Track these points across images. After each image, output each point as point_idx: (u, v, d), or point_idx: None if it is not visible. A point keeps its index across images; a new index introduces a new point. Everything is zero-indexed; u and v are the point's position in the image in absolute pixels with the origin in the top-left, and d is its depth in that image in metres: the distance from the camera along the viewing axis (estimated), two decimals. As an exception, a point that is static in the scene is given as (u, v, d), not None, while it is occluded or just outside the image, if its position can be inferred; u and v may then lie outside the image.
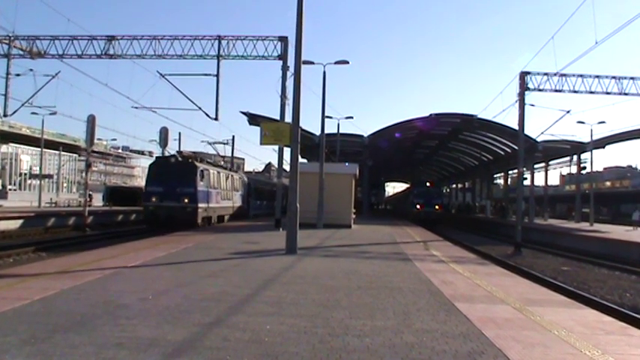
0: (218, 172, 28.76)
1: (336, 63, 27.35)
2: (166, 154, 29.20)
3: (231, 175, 33.06)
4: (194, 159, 26.10)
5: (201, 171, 25.30)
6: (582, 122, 40.31)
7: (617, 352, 5.67)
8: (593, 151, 43.20)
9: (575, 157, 47.36)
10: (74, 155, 73.70)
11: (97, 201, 55.47)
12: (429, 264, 13.18)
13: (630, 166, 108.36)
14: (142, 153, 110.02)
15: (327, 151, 34.18)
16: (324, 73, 27.42)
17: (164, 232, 20.76)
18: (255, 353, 5.22)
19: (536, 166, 51.16)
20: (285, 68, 24.71)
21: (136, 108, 26.78)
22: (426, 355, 5.33)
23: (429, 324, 6.67)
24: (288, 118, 20.00)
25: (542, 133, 35.94)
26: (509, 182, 60.65)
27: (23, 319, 6.26)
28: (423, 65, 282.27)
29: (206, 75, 25.79)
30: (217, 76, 25.69)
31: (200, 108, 26.53)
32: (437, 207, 49.11)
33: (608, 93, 28.74)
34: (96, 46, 25.86)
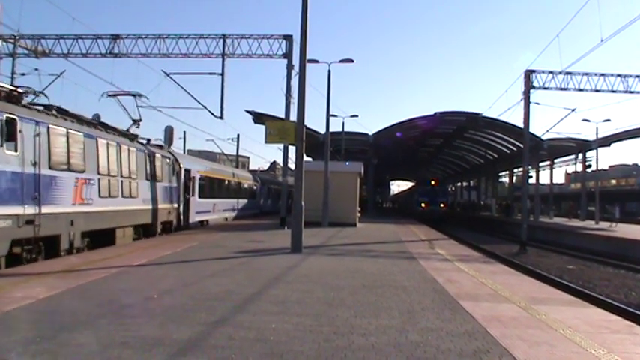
0: (91, 138, 14.56)
1: (341, 61, 27.48)
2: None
3: (143, 153, 18.49)
4: None
5: (10, 122, 11.02)
6: (587, 120, 40.50)
7: (623, 351, 5.65)
8: (599, 149, 43.06)
9: (580, 156, 47.16)
10: (79, 154, 73.78)
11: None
12: (433, 262, 13.16)
13: (636, 165, 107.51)
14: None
15: (332, 149, 34.11)
16: (329, 71, 27.55)
17: None
18: (260, 352, 5.22)
19: (541, 164, 51.00)
20: (290, 67, 24.71)
21: (141, 107, 26.61)
22: (431, 354, 5.32)
23: (434, 322, 6.66)
24: (293, 117, 20.01)
25: (547, 131, 36.07)
26: (514, 180, 60.47)
27: (28, 318, 6.29)
28: (428, 64, 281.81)
29: (211, 74, 25.77)
30: (222, 74, 25.66)
31: (205, 107, 26.49)
32: (442, 205, 49.10)
33: (613, 91, 28.60)
34: (101, 45, 25.89)
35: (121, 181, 16.31)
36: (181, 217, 22.55)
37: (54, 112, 13.39)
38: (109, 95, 19.69)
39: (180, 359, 4.99)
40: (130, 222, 17.09)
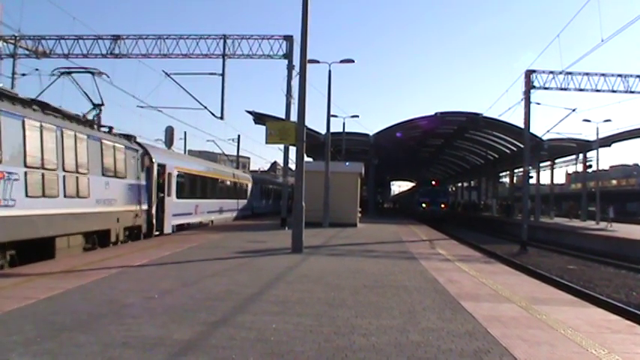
0: (14, 118, 10.95)
1: (342, 62, 27.46)
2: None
3: (98, 142, 14.92)
4: None
5: None
6: (588, 120, 40.61)
7: (624, 351, 5.65)
8: (599, 149, 43.01)
9: (581, 156, 47.14)
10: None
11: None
12: (434, 262, 13.15)
13: (637, 165, 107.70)
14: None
15: (333, 149, 34.07)
16: (330, 71, 27.55)
17: None
18: (261, 352, 5.22)
19: (542, 164, 50.98)
20: (290, 67, 24.72)
21: (142, 107, 26.65)
22: (431, 354, 5.32)
23: (434, 323, 6.66)
24: (294, 117, 20.00)
25: (547, 131, 36.02)
26: (514, 181, 60.47)
27: (29, 319, 6.29)
28: (428, 64, 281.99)
29: (211, 74, 25.78)
30: (223, 75, 25.66)
31: (206, 107, 26.51)
32: (442, 205, 49.13)
33: (614, 91, 28.59)
34: (101, 46, 25.90)
35: (63, 177, 12.59)
36: (154, 221, 19.01)
37: None
38: (62, 73, 16.54)
39: (181, 359, 4.99)
40: (77, 228, 13.52)
